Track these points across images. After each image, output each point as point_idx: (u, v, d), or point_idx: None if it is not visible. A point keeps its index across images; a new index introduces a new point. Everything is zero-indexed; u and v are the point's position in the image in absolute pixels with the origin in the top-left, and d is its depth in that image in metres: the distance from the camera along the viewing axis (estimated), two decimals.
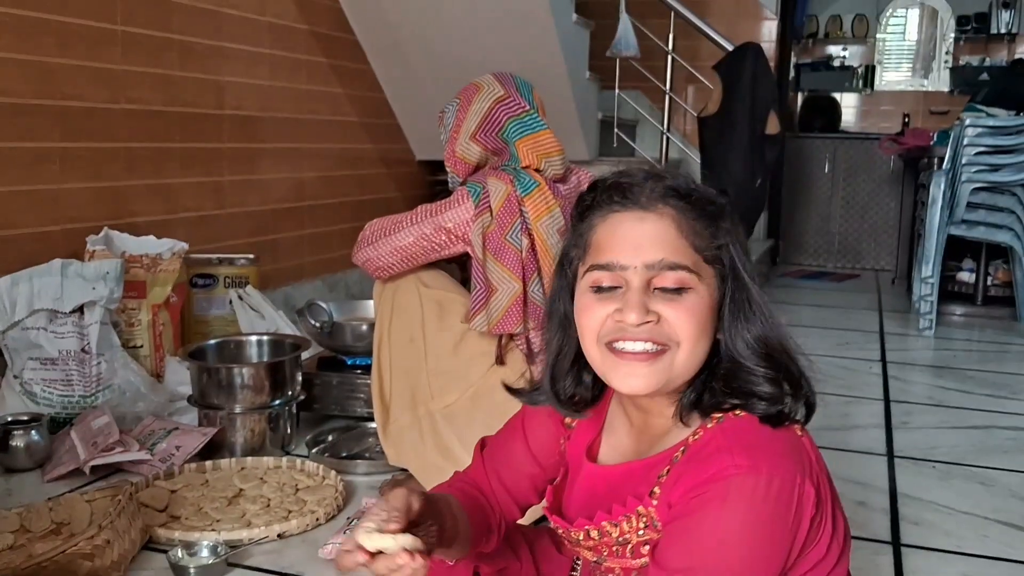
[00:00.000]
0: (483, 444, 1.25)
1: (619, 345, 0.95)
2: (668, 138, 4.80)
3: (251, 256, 3.09)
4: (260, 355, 2.51)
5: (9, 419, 2.23)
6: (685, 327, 0.93)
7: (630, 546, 0.99)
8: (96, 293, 2.38)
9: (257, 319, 2.91)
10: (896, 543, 1.92)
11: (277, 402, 2.30)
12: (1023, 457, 2.45)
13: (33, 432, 2.19)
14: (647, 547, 0.97)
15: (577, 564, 1.23)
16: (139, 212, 2.87)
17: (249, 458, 2.17)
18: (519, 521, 1.26)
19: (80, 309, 2.39)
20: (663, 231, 0.94)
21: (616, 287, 0.96)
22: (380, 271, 2.02)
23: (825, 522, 0.95)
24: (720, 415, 0.95)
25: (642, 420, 1.03)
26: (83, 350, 2.39)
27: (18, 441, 2.18)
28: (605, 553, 1.02)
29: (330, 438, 2.39)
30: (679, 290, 0.94)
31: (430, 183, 4.66)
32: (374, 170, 4.25)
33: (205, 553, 1.73)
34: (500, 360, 1.95)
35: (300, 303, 2.84)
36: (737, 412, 0.95)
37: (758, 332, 0.96)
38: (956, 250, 4.53)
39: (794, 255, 6.15)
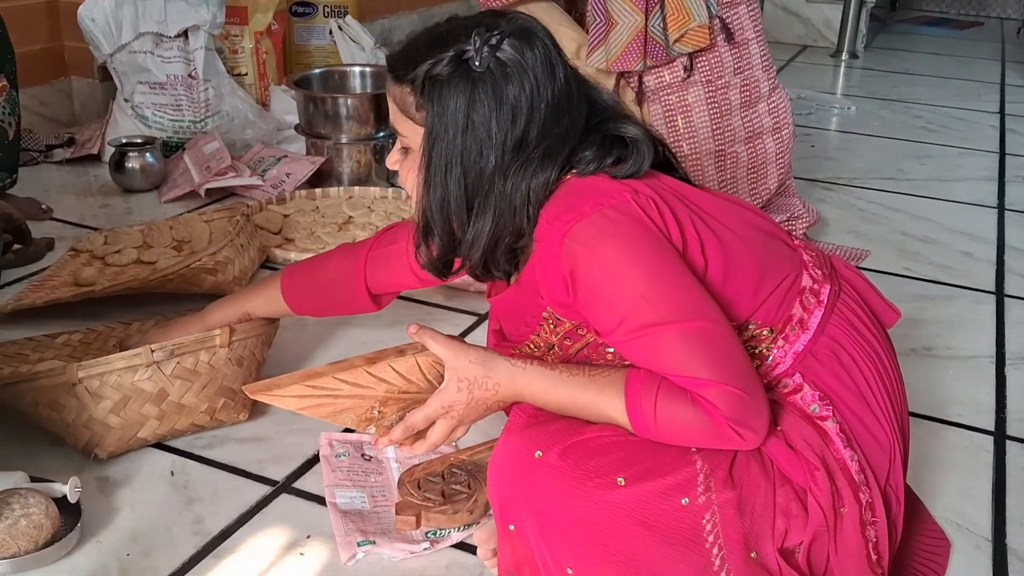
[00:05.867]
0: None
1: None
2: None
3: None
4: (364, 86, 2.51)
5: (124, 141, 2.30)
6: (406, 181, 1.04)
7: (554, 345, 1.01)
8: (199, 16, 2.36)
9: (357, 50, 2.87)
10: (1000, 293, 1.91)
11: (382, 134, 2.31)
12: None
13: (148, 155, 2.26)
14: (576, 332, 0.99)
15: None
16: None
17: (357, 187, 2.21)
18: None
19: (184, 33, 2.39)
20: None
21: None
22: (490, 0, 1.94)
23: (695, 235, 0.94)
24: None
25: None
26: (190, 75, 2.41)
27: (134, 163, 2.25)
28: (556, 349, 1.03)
29: None
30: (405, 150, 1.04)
31: None
32: None
33: None
34: None
35: (397, 37, 2.78)
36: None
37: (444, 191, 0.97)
38: None
39: (915, 0, 5.75)
